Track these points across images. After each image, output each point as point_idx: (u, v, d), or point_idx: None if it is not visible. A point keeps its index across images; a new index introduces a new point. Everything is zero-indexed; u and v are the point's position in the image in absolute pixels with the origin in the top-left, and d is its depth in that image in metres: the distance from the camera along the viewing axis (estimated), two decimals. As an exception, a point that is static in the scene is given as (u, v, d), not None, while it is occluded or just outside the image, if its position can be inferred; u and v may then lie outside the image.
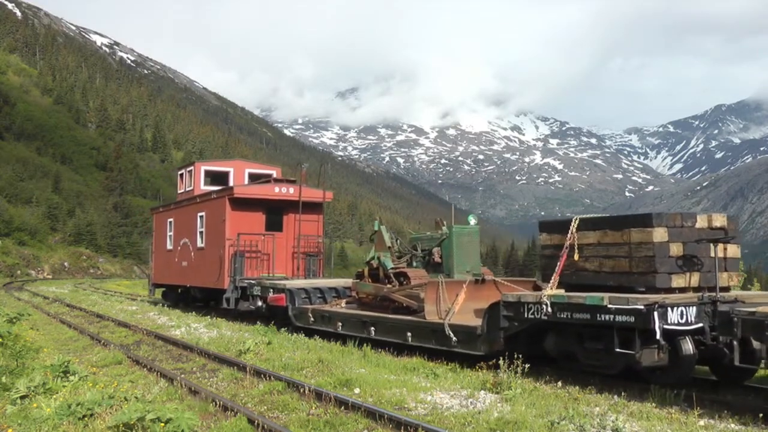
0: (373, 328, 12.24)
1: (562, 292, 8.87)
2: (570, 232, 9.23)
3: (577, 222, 9.29)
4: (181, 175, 23.80)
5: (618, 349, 8.01)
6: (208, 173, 22.39)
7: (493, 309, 9.67)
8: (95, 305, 24.26)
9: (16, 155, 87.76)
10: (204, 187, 21.76)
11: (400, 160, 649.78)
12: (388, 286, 12.89)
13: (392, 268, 13.00)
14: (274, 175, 21.57)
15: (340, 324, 13.29)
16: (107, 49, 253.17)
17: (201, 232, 20.72)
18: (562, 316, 8.57)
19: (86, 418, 6.41)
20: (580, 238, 9.19)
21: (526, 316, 9.09)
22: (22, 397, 7.54)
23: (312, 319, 14.27)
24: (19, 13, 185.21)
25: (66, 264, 69.25)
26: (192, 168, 22.60)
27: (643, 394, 8.04)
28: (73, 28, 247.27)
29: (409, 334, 11.22)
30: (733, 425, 6.81)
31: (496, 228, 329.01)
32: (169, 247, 23.59)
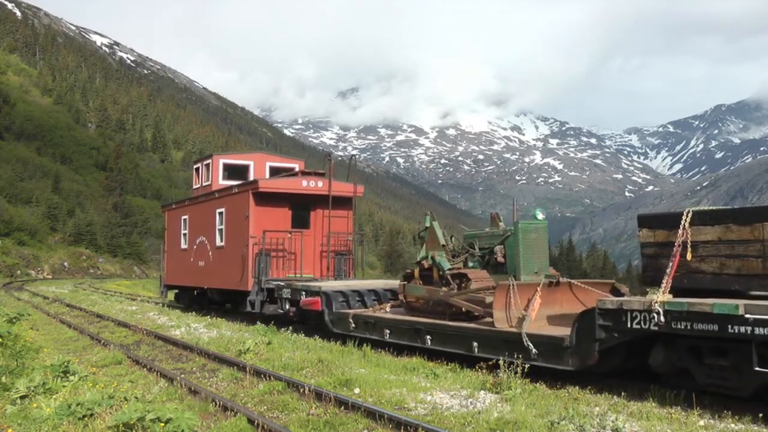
0: (429, 337, 10.91)
1: (670, 297, 7.78)
2: (682, 227, 8.01)
3: (690, 215, 8.04)
4: (197, 169, 22.31)
5: (757, 368, 6.87)
6: (226, 167, 20.94)
7: (585, 317, 8.40)
8: (95, 305, 24.26)
9: (16, 155, 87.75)
10: (223, 182, 20.44)
11: (400, 160, 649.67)
12: (444, 289, 11.52)
13: (449, 269, 11.66)
14: (297, 169, 20.18)
15: (387, 332, 12.01)
16: (107, 49, 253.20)
17: (220, 230, 19.39)
18: (678, 326, 7.35)
19: (86, 418, 6.41)
20: (695, 234, 7.96)
21: (629, 325, 7.82)
22: (22, 397, 7.54)
23: (353, 325, 13.01)
24: (19, 13, 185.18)
25: (66, 264, 69.24)
26: (210, 161, 21.19)
27: (643, 394, 8.03)
28: (73, 28, 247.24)
29: (475, 344, 9.90)
30: (733, 425, 6.80)
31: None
32: (184, 246, 22.26)
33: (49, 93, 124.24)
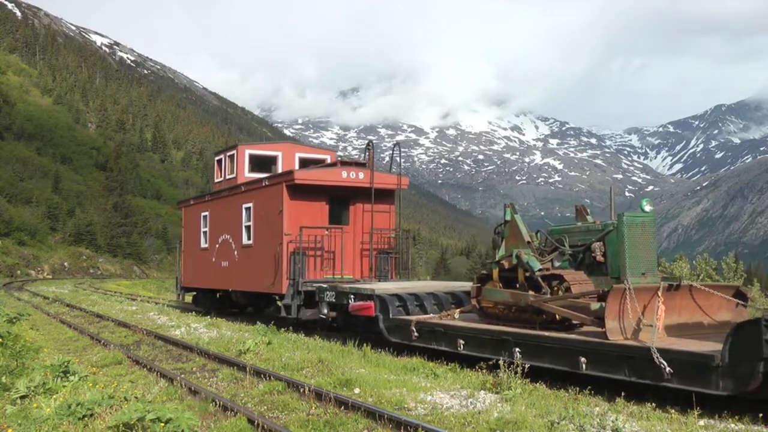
0: (518, 350, 9.29)
1: None
2: None
3: None
4: (220, 161, 20.49)
5: None
6: (252, 158, 19.24)
7: (744, 330, 7.05)
8: (95, 305, 24.26)
9: (16, 155, 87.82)
10: (248, 174, 18.86)
11: (400, 160, 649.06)
12: (532, 292, 9.96)
13: (540, 270, 9.98)
14: (329, 160, 18.69)
15: (461, 342, 10.39)
16: (107, 49, 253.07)
17: (247, 227, 17.73)
18: None
19: (86, 418, 6.42)
20: None
21: None
22: (22, 397, 7.54)
23: (416, 334, 11.40)
24: (19, 13, 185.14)
25: (66, 264, 69.25)
26: (234, 152, 19.40)
27: (642, 394, 8.03)
28: (73, 28, 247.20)
29: (582, 360, 8.35)
30: (733, 425, 6.80)
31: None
32: (204, 245, 20.56)
33: (49, 93, 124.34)
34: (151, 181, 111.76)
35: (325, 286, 14.32)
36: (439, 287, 13.54)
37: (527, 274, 10.10)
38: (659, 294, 8.35)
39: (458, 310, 11.90)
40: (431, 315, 12.12)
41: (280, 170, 18.29)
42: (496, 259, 10.83)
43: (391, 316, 12.22)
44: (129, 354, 11.82)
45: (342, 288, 13.69)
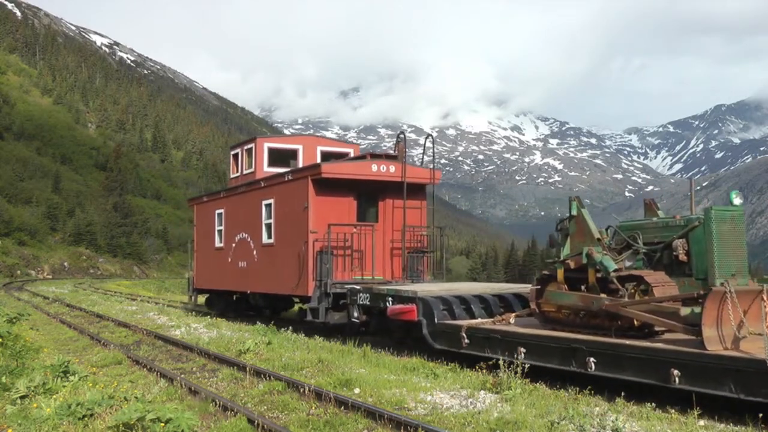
0: (592, 360, 8.30)
1: None
2: None
3: None
4: (236, 155, 19.46)
5: None
6: (272, 152, 18.33)
7: None
8: (95, 305, 24.27)
9: (16, 155, 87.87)
10: (268, 169, 17.99)
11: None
12: (604, 295, 8.90)
13: (615, 270, 8.86)
14: (352, 154, 17.95)
15: (522, 350, 9.26)
16: (107, 49, 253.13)
17: (268, 225, 16.79)
18: None
19: (86, 418, 6.42)
20: None
21: None
22: (22, 397, 7.55)
23: (467, 341, 10.33)
24: (19, 13, 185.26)
25: (66, 264, 69.29)
26: (252, 145, 18.48)
27: (642, 394, 8.03)
28: (73, 28, 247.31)
29: (675, 372, 7.34)
30: (732, 425, 6.80)
31: (496, 228, 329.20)
32: (219, 244, 19.67)
33: (49, 93, 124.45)
34: (151, 181, 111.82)
35: (357, 287, 13.38)
36: (486, 289, 12.47)
37: (599, 275, 9.04)
38: (765, 297, 7.41)
39: (513, 314, 10.70)
40: (480, 320, 10.98)
41: (300, 164, 17.39)
42: (561, 258, 9.68)
43: (436, 320, 11.10)
44: (129, 354, 11.82)
45: (378, 290, 12.63)
